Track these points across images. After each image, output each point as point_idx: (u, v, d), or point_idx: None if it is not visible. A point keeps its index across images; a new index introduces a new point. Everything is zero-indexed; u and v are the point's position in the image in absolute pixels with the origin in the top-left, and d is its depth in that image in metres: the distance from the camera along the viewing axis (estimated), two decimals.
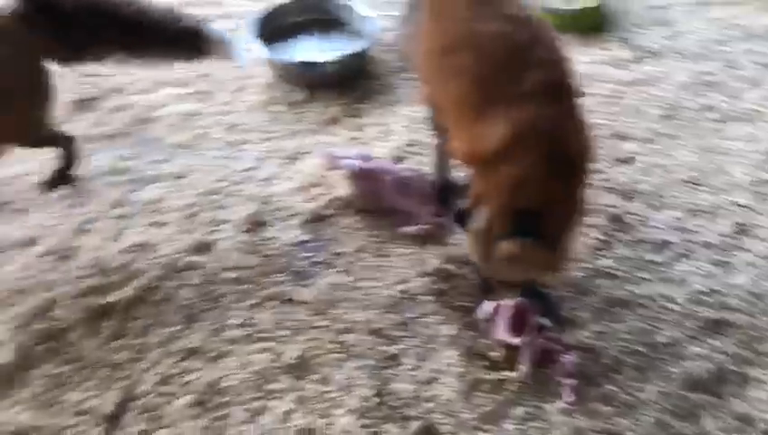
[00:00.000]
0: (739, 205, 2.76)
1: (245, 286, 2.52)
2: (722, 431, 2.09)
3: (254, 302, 2.47)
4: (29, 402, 2.19)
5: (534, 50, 2.07)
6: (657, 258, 2.58)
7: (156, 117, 3.22)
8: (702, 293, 2.46)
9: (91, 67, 3.32)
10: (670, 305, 2.43)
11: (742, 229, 2.67)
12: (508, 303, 2.27)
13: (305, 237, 2.69)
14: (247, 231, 2.71)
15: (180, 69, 3.44)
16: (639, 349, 2.30)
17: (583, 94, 2.14)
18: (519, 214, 1.95)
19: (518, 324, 2.26)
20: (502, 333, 2.28)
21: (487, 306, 2.30)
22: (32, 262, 2.58)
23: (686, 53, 3.51)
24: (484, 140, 2.01)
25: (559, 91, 2.05)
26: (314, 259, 2.62)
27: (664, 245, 2.62)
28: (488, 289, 2.34)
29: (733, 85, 3.32)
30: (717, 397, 2.18)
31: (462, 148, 2.15)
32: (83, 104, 3.26)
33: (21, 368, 2.28)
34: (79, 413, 2.16)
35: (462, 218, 2.20)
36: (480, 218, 2.03)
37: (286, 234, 2.70)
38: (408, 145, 3.05)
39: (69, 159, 2.77)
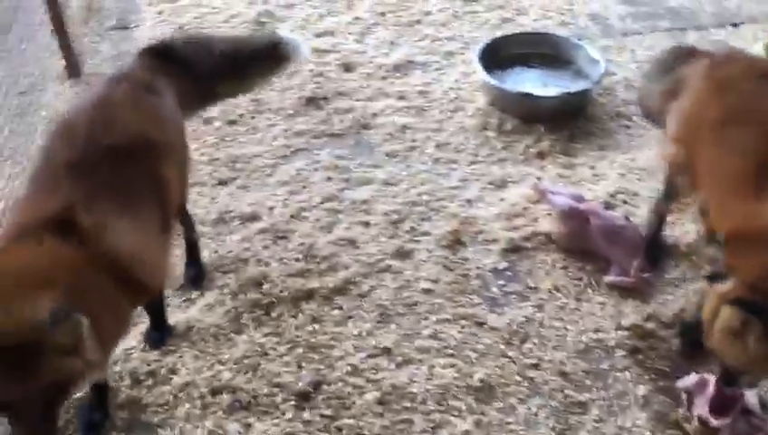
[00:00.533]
0: None
1: (439, 300, 2.57)
2: None
3: (445, 317, 2.52)
4: (231, 364, 2.37)
5: None
6: None
7: (374, 124, 3.39)
8: None
9: (318, 68, 3.61)
10: None
11: None
12: (713, 379, 2.14)
13: (502, 265, 2.71)
14: (446, 247, 2.77)
15: (401, 82, 3.62)
16: None
17: None
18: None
19: (721, 404, 2.12)
20: (702, 408, 2.15)
21: (691, 378, 2.19)
22: (251, 236, 2.81)
23: None
24: (759, 219, 1.92)
25: None
26: (508, 289, 2.63)
27: None
28: (692, 357, 2.22)
29: None
30: None
31: (726, 221, 2.07)
32: (311, 102, 3.49)
33: (230, 331, 2.47)
34: (274, 385, 2.31)
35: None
36: (727, 287, 1.93)
37: (484, 258, 2.73)
38: (618, 193, 2.99)
39: (193, 244, 2.62)
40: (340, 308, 2.55)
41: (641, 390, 2.28)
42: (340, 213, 2.93)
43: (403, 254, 2.75)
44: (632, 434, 2.18)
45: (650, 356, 2.38)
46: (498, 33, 3.78)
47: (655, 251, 2.65)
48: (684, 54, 2.58)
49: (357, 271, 2.67)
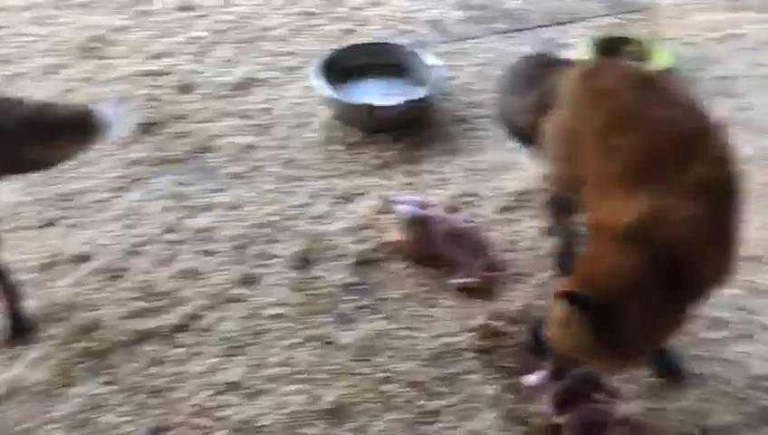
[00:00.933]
0: None
1: (289, 324, 2.50)
2: None
3: (295, 341, 2.45)
4: (64, 421, 2.19)
5: (711, 143, 1.97)
6: (714, 336, 2.48)
7: (216, 146, 3.27)
8: (761, 378, 2.35)
9: (153, 92, 3.45)
10: (726, 388, 2.32)
11: None
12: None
13: (352, 280, 2.67)
14: (295, 268, 2.70)
15: (243, 101, 3.52)
16: (693, 432, 2.20)
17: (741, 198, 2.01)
18: (599, 298, 1.84)
19: (565, 401, 2.17)
20: (546, 406, 2.19)
21: (536, 374, 2.23)
22: (82, 278, 2.62)
23: (752, 126, 3.43)
24: (618, 214, 1.92)
25: (718, 194, 1.91)
26: (359, 303, 2.59)
27: (721, 323, 2.52)
28: (538, 352, 2.26)
29: None
30: None
31: (594, 216, 2.06)
32: (146, 128, 3.33)
33: (60, 384, 2.28)
34: None
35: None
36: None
37: (334, 274, 2.69)
38: (464, 195, 3.03)
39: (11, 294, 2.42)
40: (183, 346, 2.42)
41: (490, 390, 2.30)
42: (182, 244, 2.79)
43: (250, 280, 2.66)
44: None
45: (499, 355, 2.41)
46: (339, 45, 3.76)
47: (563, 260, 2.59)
48: (544, 64, 2.53)
49: (200, 304, 2.55)
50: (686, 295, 1.92)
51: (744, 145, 3.26)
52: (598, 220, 2.04)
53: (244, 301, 2.57)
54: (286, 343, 2.44)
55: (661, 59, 3.68)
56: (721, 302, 2.57)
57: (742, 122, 3.45)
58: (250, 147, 3.28)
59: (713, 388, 2.32)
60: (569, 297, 1.88)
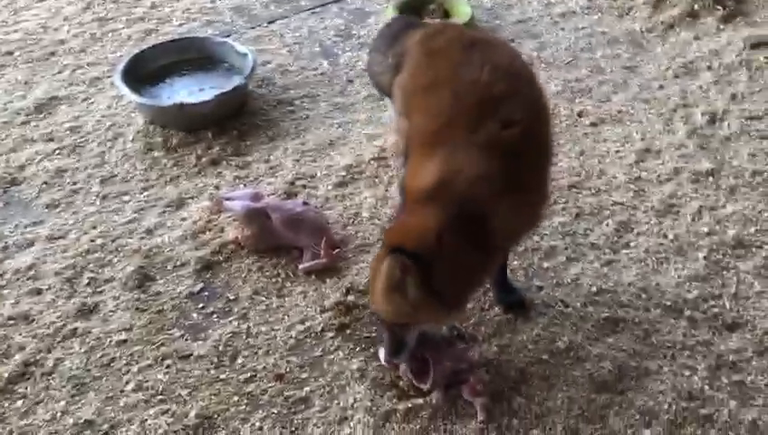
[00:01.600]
0: (620, 203, 2.87)
1: (138, 347, 2.38)
2: (629, 428, 2.14)
3: (147, 363, 2.33)
4: None
5: (507, 104, 2.04)
6: (549, 264, 2.64)
7: (24, 177, 3.02)
8: (595, 293, 2.53)
9: None
10: (567, 310, 2.48)
11: (624, 227, 2.78)
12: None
13: (197, 287, 2.58)
14: (135, 288, 2.57)
15: (47, 123, 3.28)
16: (544, 357, 2.33)
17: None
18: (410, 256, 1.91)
19: (421, 370, 2.22)
20: (407, 375, 2.24)
21: (382, 351, 2.26)
22: None
23: (554, 63, 3.65)
24: (420, 177, 2.00)
25: (512, 153, 1.99)
26: (209, 309, 2.51)
27: (553, 251, 2.68)
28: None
29: (602, 90, 3.47)
30: (621, 394, 2.23)
31: (404, 178, 2.13)
32: None
33: None
34: None
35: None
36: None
37: (177, 286, 2.58)
38: (298, 179, 3.01)
39: None
40: (24, 397, 2.23)
41: (355, 364, 2.32)
42: (3, 288, 2.57)
43: (87, 311, 2.49)
44: (359, 409, 2.20)
45: (357, 328, 2.43)
46: (142, 47, 3.57)
47: None
48: (405, 27, 2.61)
49: (36, 347, 2.36)
50: (487, 246, 2.02)
51: (549, 81, 3.51)
52: (404, 183, 2.12)
53: (85, 334, 2.41)
54: (137, 367, 2.32)
55: (461, 12, 3.82)
56: (552, 230, 2.75)
57: (545, 60, 3.67)
58: (62, 170, 3.06)
59: (555, 312, 2.47)
60: (401, 252, 1.93)
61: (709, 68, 3.57)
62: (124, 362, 2.34)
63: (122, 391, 2.25)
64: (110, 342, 2.39)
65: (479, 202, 1.97)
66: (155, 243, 2.73)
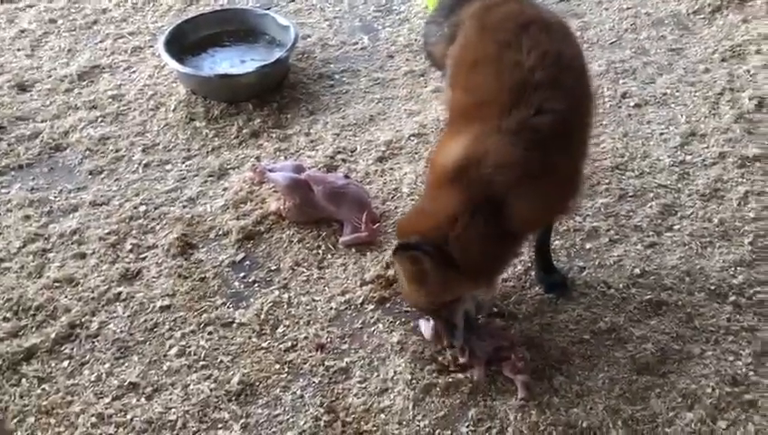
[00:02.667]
0: (664, 186, 2.83)
1: (180, 313, 2.40)
2: (671, 411, 2.13)
3: (190, 329, 2.36)
4: None
5: (545, 91, 2.00)
6: (592, 245, 2.62)
7: (68, 144, 3.05)
8: (638, 276, 2.51)
9: None
10: (609, 291, 2.46)
11: (668, 210, 2.74)
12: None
13: (239, 256, 2.59)
14: (177, 255, 2.59)
15: (90, 91, 3.31)
16: (585, 337, 2.32)
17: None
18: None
19: (468, 351, 2.22)
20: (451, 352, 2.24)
21: (425, 325, 2.26)
22: None
23: (598, 42, 3.59)
24: (445, 156, 1.99)
25: (540, 140, 1.97)
26: (250, 278, 2.53)
27: (596, 232, 2.66)
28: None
29: (646, 71, 3.41)
30: (663, 377, 2.22)
31: (431, 155, 2.14)
32: None
33: None
34: None
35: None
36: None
37: (219, 254, 2.60)
38: (338, 153, 3.00)
39: None
40: (70, 358, 2.27)
41: (395, 337, 2.33)
42: (49, 251, 2.61)
43: (130, 276, 2.53)
44: (399, 382, 2.21)
45: (396, 302, 2.43)
46: (184, 18, 3.58)
47: None
48: None
49: (81, 310, 2.40)
50: (511, 229, 2.02)
51: (594, 61, 3.45)
52: (431, 160, 2.12)
53: (129, 299, 2.45)
54: (181, 333, 2.35)
55: None
56: (595, 211, 2.73)
57: (588, 40, 3.61)
58: (105, 138, 3.08)
59: (597, 293, 2.45)
60: (405, 248, 1.97)
61: (758, 52, 3.49)
62: (167, 327, 2.37)
63: (165, 356, 2.28)
64: (154, 307, 2.42)
65: (498, 188, 1.96)
66: (197, 211, 2.75)
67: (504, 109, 1.98)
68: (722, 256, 2.56)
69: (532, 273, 2.49)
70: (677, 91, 3.29)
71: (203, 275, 2.53)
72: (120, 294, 2.46)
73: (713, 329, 2.34)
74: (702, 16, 3.73)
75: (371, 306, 2.42)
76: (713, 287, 2.45)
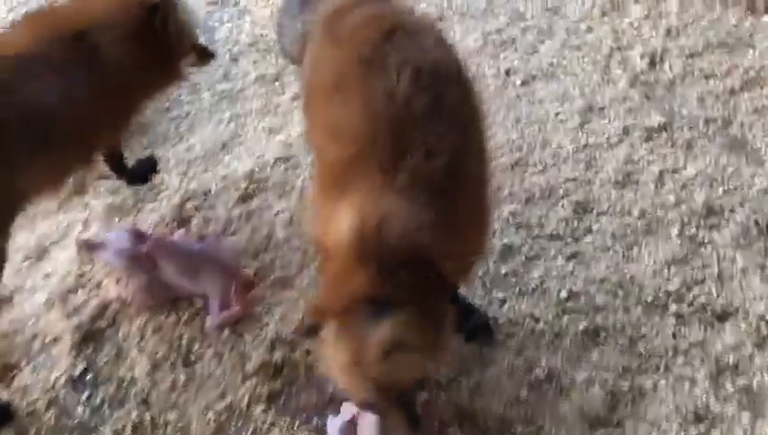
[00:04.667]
0: (572, 179, 2.48)
1: None
2: None
3: None
4: None
5: (431, 124, 1.55)
6: (507, 268, 2.23)
7: None
8: (566, 300, 2.15)
9: None
10: (539, 326, 2.09)
11: (582, 208, 2.39)
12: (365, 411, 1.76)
13: (78, 370, 2.01)
14: None
15: None
16: (523, 393, 1.94)
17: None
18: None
19: None
20: None
21: (340, 419, 1.79)
22: None
23: (469, 12, 3.16)
24: (334, 225, 1.50)
25: (437, 189, 1.53)
26: (97, 399, 1.96)
27: (510, 250, 2.27)
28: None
29: (526, 39, 3.02)
30: (618, 426, 1.88)
31: (314, 228, 1.63)
32: None
33: None
34: None
35: None
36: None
37: (50, 372, 2.00)
38: (188, 200, 2.44)
39: None
40: None
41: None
42: None
43: None
44: None
45: (292, 394, 1.95)
46: None
47: None
48: None
49: None
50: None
51: (467, 35, 3.03)
52: (316, 236, 1.62)
53: None
54: None
55: None
56: (503, 224, 2.35)
57: (457, 10, 3.18)
58: None
59: (526, 331, 2.07)
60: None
61: (636, 1, 3.18)
62: None
63: None
64: None
65: (421, 250, 1.50)
66: (14, 315, 2.12)
67: (386, 161, 1.51)
68: (651, 257, 2.24)
69: None
70: (564, 59, 2.93)
71: (31, 409, 1.92)
72: None
73: (660, 353, 2.02)
74: None
75: (260, 407, 1.93)
76: (649, 299, 2.14)
